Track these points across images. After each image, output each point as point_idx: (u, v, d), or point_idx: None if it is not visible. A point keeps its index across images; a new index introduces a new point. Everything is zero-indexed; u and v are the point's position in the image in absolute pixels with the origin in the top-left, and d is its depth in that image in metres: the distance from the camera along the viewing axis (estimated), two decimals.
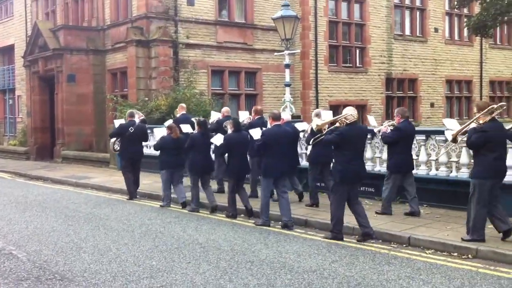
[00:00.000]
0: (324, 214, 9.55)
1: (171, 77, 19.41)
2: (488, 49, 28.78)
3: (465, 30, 24.12)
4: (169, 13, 19.63)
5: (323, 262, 7.03)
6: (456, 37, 27.73)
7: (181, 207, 11.25)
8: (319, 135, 8.46)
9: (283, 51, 14.32)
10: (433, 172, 10.70)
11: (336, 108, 23.06)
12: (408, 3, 25.83)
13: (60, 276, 6.45)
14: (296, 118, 13.82)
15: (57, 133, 22.54)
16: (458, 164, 10.28)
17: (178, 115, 13.96)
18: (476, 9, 23.86)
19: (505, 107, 8.03)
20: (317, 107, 22.59)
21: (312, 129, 9.72)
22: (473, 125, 7.66)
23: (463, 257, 7.29)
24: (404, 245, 7.93)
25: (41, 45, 22.50)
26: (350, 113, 8.19)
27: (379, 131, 10.30)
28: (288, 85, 14.18)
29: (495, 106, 7.63)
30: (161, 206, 11.55)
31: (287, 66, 14.10)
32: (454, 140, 7.90)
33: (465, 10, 26.89)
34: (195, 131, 11.31)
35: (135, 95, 19.34)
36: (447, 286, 6.09)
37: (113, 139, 13.30)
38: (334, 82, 23.26)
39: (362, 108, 24.32)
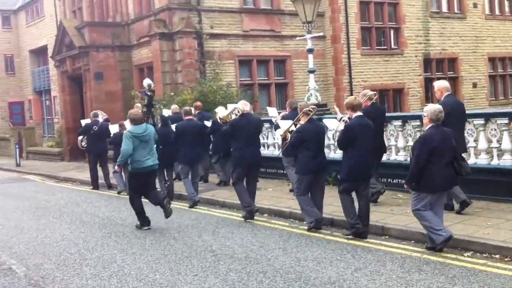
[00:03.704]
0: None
1: (197, 69, 18.79)
2: None
3: (506, 2, 22.57)
4: (192, 3, 18.97)
5: (344, 271, 6.25)
6: (497, 12, 26.05)
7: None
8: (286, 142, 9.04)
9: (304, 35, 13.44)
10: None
11: None
12: None
13: None
14: (322, 106, 12.90)
15: None
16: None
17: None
18: None
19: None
20: (351, 94, 21.59)
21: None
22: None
23: (506, 260, 6.40)
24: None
25: (68, 44, 22.27)
26: (238, 106, 9.57)
27: (275, 121, 10.92)
28: (312, 71, 13.27)
29: (310, 108, 8.23)
30: (118, 193, 13.10)
31: (310, 51, 13.20)
32: (284, 138, 8.79)
33: None
34: (118, 131, 13.00)
35: (162, 90, 18.84)
36: None
37: (80, 137, 14.62)
38: (368, 66, 22.16)
39: (399, 92, 23.17)
